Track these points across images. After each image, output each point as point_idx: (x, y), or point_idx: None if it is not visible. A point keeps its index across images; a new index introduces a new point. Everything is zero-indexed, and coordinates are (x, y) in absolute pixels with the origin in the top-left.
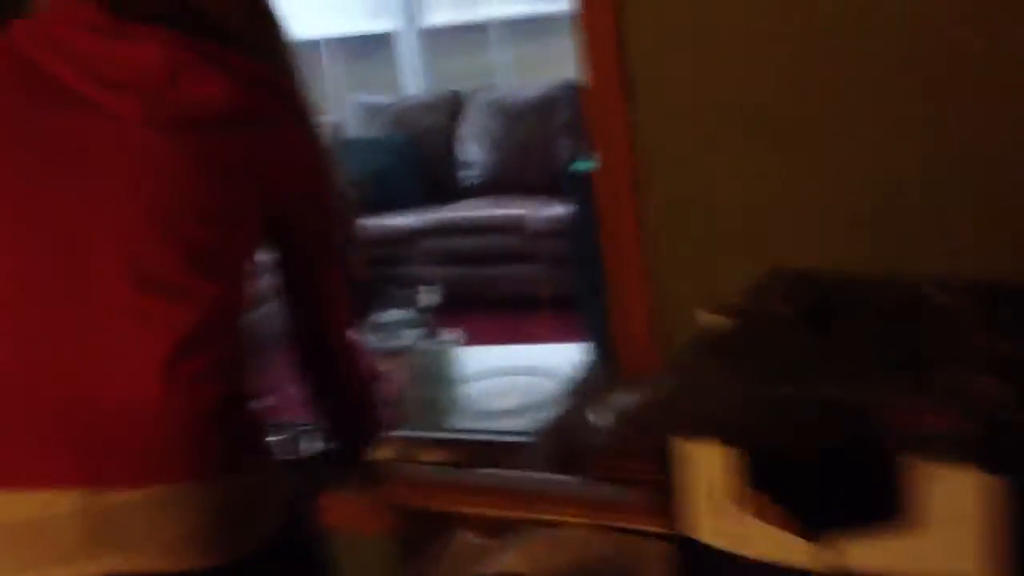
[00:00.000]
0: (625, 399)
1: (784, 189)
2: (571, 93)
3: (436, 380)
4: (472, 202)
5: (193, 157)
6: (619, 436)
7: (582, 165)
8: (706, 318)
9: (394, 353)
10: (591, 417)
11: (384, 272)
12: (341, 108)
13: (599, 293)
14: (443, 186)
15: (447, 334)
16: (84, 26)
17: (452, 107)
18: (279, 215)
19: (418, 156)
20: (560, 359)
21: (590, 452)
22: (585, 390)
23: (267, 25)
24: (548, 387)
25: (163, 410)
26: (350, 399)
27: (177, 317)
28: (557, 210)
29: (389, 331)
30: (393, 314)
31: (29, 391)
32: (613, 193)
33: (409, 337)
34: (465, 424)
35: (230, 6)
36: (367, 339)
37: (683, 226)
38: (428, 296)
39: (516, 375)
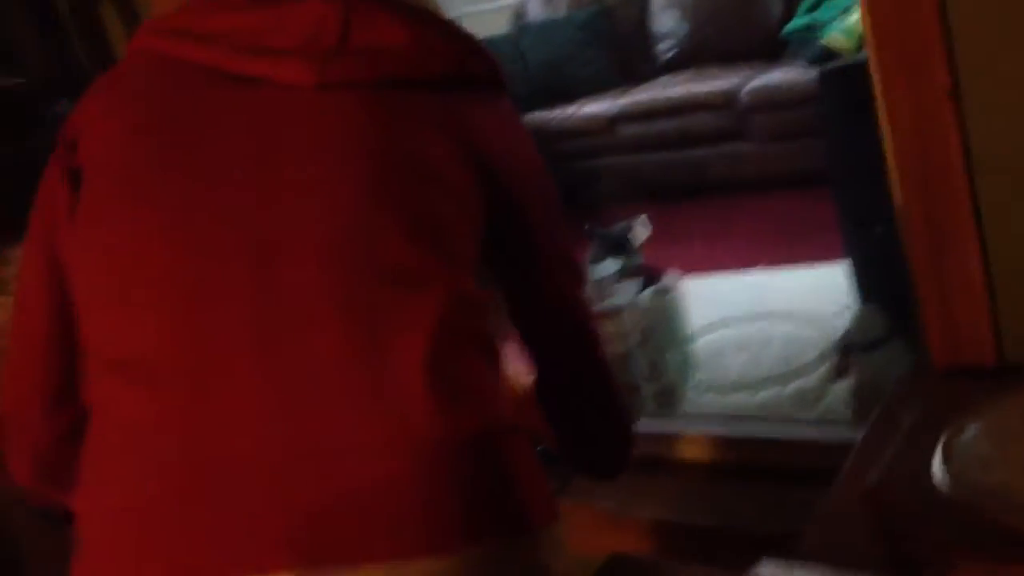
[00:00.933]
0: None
1: None
2: None
3: (667, 340)
4: (673, 78)
5: (382, 111)
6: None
7: (799, 23)
8: None
9: (611, 314)
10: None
11: (584, 166)
12: None
13: (868, 218)
14: (639, 64)
15: (670, 275)
16: (233, 7)
17: None
18: (497, 183)
19: (608, 33)
20: (813, 292)
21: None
22: (855, 348)
23: None
24: (808, 339)
25: (419, 449)
26: (608, 404)
27: (420, 313)
28: (773, 77)
29: (603, 288)
30: (606, 266)
31: (221, 456)
32: (904, 98)
33: (627, 291)
34: (715, 400)
35: None
36: None
37: None
38: (640, 230)
39: (762, 320)
